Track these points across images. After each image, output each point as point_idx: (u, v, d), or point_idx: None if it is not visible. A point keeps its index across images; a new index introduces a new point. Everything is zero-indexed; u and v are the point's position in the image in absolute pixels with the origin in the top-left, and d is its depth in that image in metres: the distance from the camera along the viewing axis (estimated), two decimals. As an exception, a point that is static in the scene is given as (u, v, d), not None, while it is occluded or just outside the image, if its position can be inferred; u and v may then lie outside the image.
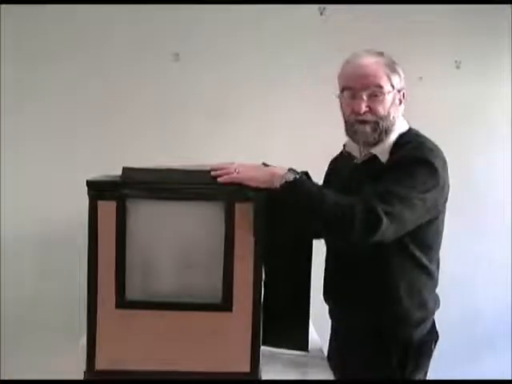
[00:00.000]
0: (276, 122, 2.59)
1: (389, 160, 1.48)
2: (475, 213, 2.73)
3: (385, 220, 1.31)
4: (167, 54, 2.57)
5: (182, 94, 2.58)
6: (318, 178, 1.68)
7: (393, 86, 1.48)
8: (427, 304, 1.52)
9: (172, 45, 2.57)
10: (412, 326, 1.50)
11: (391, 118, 1.49)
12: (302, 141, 2.52)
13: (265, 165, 1.48)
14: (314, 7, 2.59)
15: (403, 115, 1.56)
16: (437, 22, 2.63)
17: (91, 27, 2.53)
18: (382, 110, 1.47)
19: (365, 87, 1.47)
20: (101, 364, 1.36)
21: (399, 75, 1.51)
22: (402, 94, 1.52)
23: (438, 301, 1.58)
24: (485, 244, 2.74)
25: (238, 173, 1.36)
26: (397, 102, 1.50)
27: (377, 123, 1.48)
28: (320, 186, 1.45)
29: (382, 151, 1.50)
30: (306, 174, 1.55)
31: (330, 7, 2.58)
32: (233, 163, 1.41)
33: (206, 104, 2.58)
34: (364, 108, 1.47)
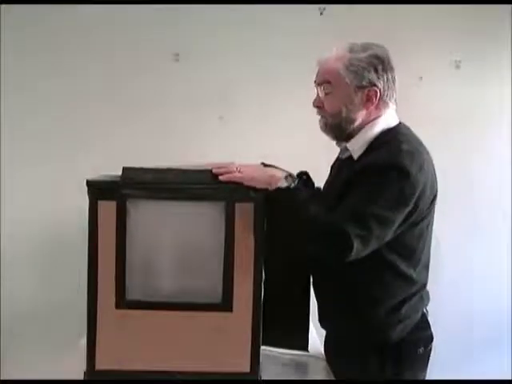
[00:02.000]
0: (277, 122, 2.60)
1: (362, 160, 1.44)
2: (475, 213, 2.73)
3: (356, 245, 1.29)
4: (167, 53, 2.57)
5: (182, 94, 2.58)
6: (319, 178, 1.68)
7: (347, 84, 1.44)
8: (403, 307, 1.46)
9: (172, 45, 2.57)
10: (387, 327, 1.45)
11: (343, 115, 1.45)
12: (302, 140, 2.52)
13: (264, 165, 1.48)
14: (314, 7, 2.59)
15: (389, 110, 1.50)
16: (437, 22, 2.63)
17: (91, 27, 2.53)
18: (330, 107, 1.47)
19: (319, 83, 1.49)
20: (101, 364, 1.36)
21: (359, 73, 1.43)
22: (372, 91, 1.44)
23: (426, 297, 1.53)
24: (485, 243, 2.74)
25: (239, 172, 1.36)
26: (356, 100, 1.44)
27: (326, 119, 1.49)
28: (309, 198, 1.42)
29: (355, 147, 1.47)
30: (306, 174, 1.55)
31: (329, 7, 2.58)
32: (233, 163, 1.41)
33: (206, 104, 2.58)
34: (316, 103, 1.50)
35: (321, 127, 1.53)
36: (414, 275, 1.48)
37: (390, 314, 1.45)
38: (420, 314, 1.51)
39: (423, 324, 1.52)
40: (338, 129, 1.48)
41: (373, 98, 1.45)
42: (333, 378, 1.51)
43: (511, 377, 2.67)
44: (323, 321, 1.59)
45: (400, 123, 1.50)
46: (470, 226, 2.72)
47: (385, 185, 1.34)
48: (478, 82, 2.69)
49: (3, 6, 2.46)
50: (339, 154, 1.60)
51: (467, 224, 2.70)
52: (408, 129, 1.50)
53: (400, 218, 1.36)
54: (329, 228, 1.32)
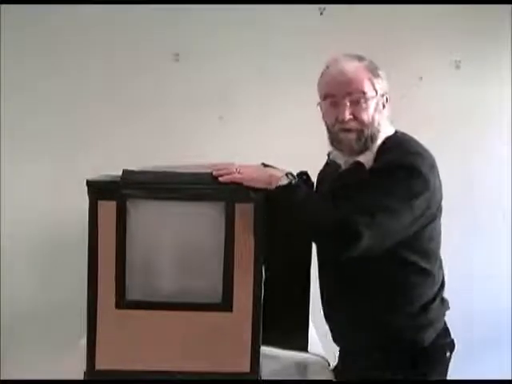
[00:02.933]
0: (277, 122, 2.59)
1: (372, 166, 1.43)
2: (475, 213, 2.72)
3: (366, 234, 1.27)
4: (167, 53, 2.57)
5: (182, 94, 2.58)
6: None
7: (376, 91, 1.43)
8: (431, 306, 1.46)
9: (172, 45, 2.57)
10: (418, 330, 1.44)
11: (376, 124, 1.43)
12: (302, 140, 2.52)
13: (264, 165, 1.48)
14: (314, 7, 2.59)
15: (389, 118, 1.50)
16: (437, 22, 2.63)
17: (91, 27, 2.53)
18: (366, 117, 1.42)
19: (348, 94, 1.41)
20: (101, 364, 1.36)
21: (382, 79, 1.45)
22: (385, 98, 1.46)
23: (446, 302, 1.53)
24: (485, 243, 2.73)
25: (239, 173, 1.36)
26: (381, 107, 1.45)
27: (361, 131, 1.43)
28: (310, 194, 1.42)
29: (368, 158, 1.45)
30: (306, 174, 1.55)
31: (329, 7, 2.58)
32: (233, 163, 1.41)
33: (206, 104, 2.58)
34: (348, 116, 1.42)
35: (350, 141, 1.44)
36: (435, 273, 1.47)
37: (421, 315, 1.44)
38: (443, 321, 1.52)
39: (445, 332, 1.52)
40: (371, 139, 1.44)
41: (385, 104, 1.46)
42: (333, 378, 1.51)
43: (511, 377, 2.67)
44: (342, 335, 1.57)
45: (397, 131, 1.50)
46: (470, 226, 2.72)
47: (394, 182, 1.33)
48: (478, 82, 2.69)
49: (3, 6, 2.46)
50: (332, 166, 1.57)
51: (467, 224, 2.70)
52: (406, 134, 1.50)
53: (410, 212, 1.34)
54: (334, 219, 1.30)
